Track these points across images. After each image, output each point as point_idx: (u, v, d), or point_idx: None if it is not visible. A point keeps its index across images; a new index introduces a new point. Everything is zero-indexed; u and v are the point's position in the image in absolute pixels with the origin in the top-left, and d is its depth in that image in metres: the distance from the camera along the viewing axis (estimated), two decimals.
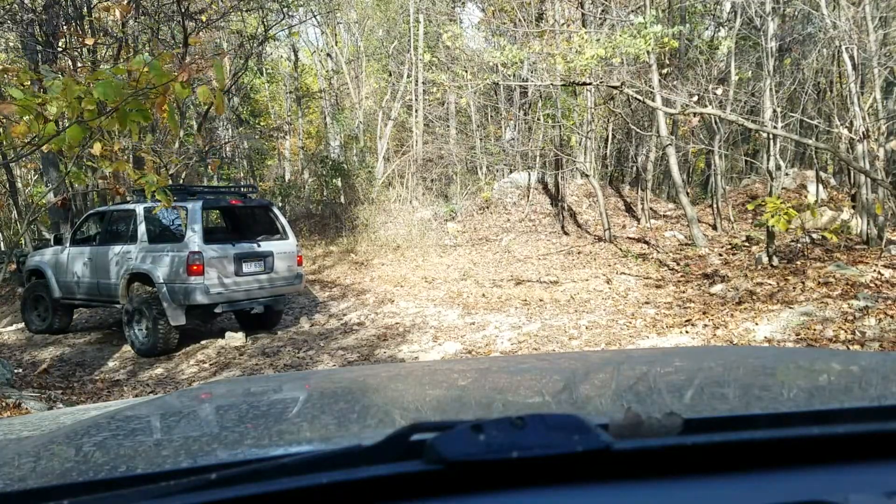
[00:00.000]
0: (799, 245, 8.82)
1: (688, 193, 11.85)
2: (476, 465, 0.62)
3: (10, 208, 14.87)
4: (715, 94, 10.00)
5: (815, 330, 6.08)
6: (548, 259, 11.50)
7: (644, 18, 8.44)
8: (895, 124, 10.37)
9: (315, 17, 18.37)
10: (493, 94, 16.48)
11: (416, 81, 16.68)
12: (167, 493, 0.63)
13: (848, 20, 8.57)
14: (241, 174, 20.00)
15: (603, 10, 11.86)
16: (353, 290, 10.81)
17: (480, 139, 16.42)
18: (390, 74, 18.28)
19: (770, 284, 7.67)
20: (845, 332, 5.90)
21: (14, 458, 0.95)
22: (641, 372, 1.40)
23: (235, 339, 8.08)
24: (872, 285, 6.91)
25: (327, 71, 20.14)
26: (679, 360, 1.60)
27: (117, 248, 8.13)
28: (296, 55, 21.46)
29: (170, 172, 11.13)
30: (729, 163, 14.68)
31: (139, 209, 8.01)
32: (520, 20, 12.77)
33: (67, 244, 8.83)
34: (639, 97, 8.17)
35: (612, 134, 14.68)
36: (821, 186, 11.00)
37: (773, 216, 7.48)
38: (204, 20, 12.41)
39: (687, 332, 6.78)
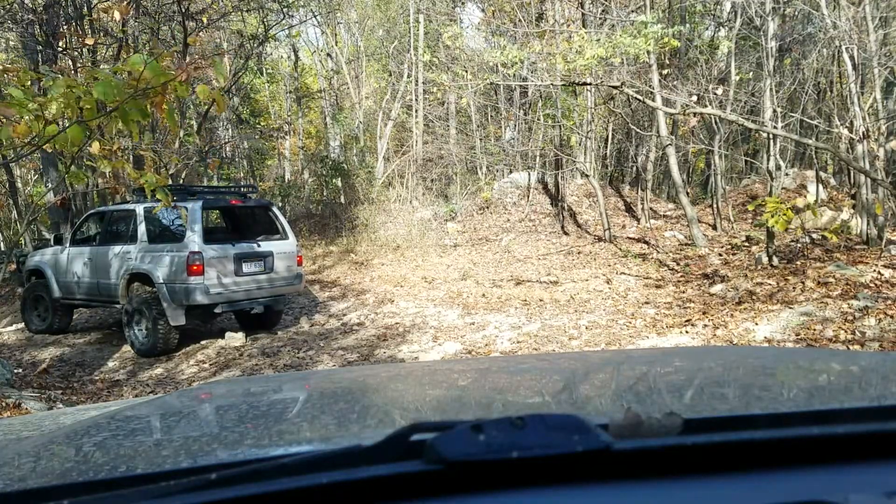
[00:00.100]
0: (799, 245, 8.82)
1: (688, 193, 11.85)
2: (476, 465, 0.62)
3: (10, 208, 14.87)
4: (715, 94, 10.00)
5: (815, 330, 6.08)
6: (548, 259, 11.50)
7: (646, 17, 8.44)
8: (895, 124, 10.37)
9: (315, 17, 18.38)
10: (493, 94, 16.48)
11: (416, 81, 16.68)
12: (167, 493, 0.63)
13: (848, 20, 8.57)
14: (241, 174, 20.00)
15: (603, 11, 11.86)
16: (352, 290, 10.81)
17: (480, 139, 16.42)
18: (390, 74, 18.29)
19: (770, 284, 7.67)
20: (845, 332, 5.90)
21: (14, 458, 0.95)
22: (641, 372, 1.40)
23: (235, 339, 8.08)
24: (872, 285, 6.91)
25: (327, 71, 20.14)
26: (679, 360, 1.60)
27: (117, 248, 8.13)
28: (296, 55, 21.46)
29: (170, 172, 11.14)
30: (729, 163, 14.68)
31: (139, 209, 8.01)
32: (520, 20, 12.78)
33: (67, 244, 8.83)
34: (639, 97, 8.18)
35: (612, 134, 14.68)
36: (821, 186, 11.00)
37: (772, 216, 7.49)
38: (205, 21, 12.42)
39: (687, 332, 6.78)
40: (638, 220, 13.02)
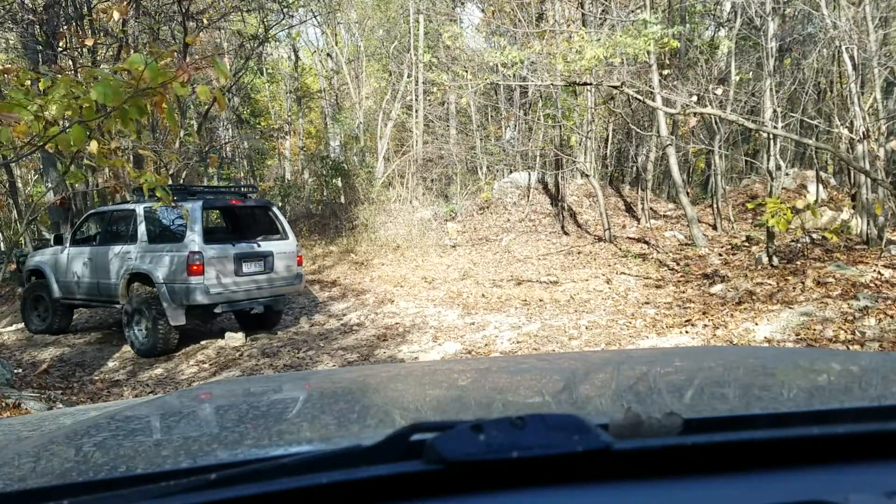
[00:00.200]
0: (799, 245, 8.81)
1: (688, 193, 11.85)
2: (476, 465, 0.62)
3: (10, 208, 14.87)
4: (715, 94, 10.00)
5: (815, 330, 6.08)
6: (548, 259, 11.50)
7: (648, 17, 8.44)
8: (895, 124, 10.37)
9: (315, 17, 18.38)
10: (493, 94, 16.47)
11: (416, 81, 16.68)
12: (167, 493, 0.63)
13: (848, 20, 8.57)
14: (241, 174, 20.01)
15: (603, 11, 11.86)
16: (352, 291, 10.81)
17: (480, 139, 16.42)
18: (390, 74, 18.28)
19: (770, 284, 7.67)
20: (845, 332, 5.90)
21: (14, 458, 0.95)
22: (641, 372, 1.40)
23: (235, 339, 8.08)
24: (872, 285, 6.91)
25: (327, 71, 20.14)
26: (679, 360, 1.60)
27: (117, 248, 8.13)
28: (296, 55, 21.46)
29: (170, 172, 11.15)
30: (729, 163, 14.68)
31: (139, 209, 8.01)
32: (520, 20, 12.77)
33: (67, 244, 8.83)
34: (639, 97, 8.18)
35: (612, 134, 14.68)
36: (821, 186, 11.00)
37: (772, 216, 7.49)
38: (205, 21, 12.42)
39: (687, 332, 6.78)
40: (638, 220, 13.02)
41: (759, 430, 0.71)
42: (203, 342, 8.17)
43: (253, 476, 0.63)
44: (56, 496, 0.68)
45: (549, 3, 13.58)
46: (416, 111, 16.69)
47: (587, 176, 13.09)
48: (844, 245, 8.63)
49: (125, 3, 9.30)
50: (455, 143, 16.63)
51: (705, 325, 6.83)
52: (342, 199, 16.39)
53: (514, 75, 11.00)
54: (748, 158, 14.39)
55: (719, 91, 10.29)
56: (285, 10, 14.88)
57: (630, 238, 12.05)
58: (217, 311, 7.84)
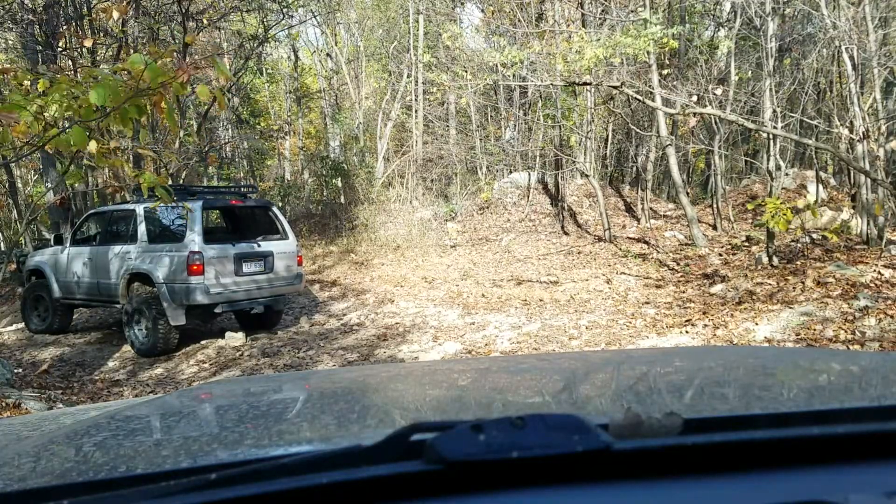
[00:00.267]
0: (799, 245, 8.81)
1: (688, 193, 11.85)
2: (476, 465, 0.62)
3: (10, 208, 14.87)
4: (715, 94, 10.00)
5: (815, 330, 6.08)
6: (548, 259, 11.50)
7: (649, 16, 8.44)
8: (895, 124, 10.37)
9: (315, 17, 18.38)
10: (493, 94, 16.48)
11: (416, 81, 16.68)
12: (167, 493, 0.63)
13: (848, 20, 8.57)
14: (241, 174, 20.01)
15: (603, 11, 11.86)
16: (353, 290, 10.81)
17: (480, 139, 16.42)
18: (390, 74, 18.29)
19: (770, 284, 7.67)
20: (845, 332, 5.90)
21: (14, 458, 0.94)
22: (641, 372, 1.40)
23: (235, 339, 8.08)
24: (872, 285, 6.91)
25: (327, 71, 20.14)
26: (679, 360, 1.60)
27: (117, 248, 8.13)
28: (296, 55, 21.46)
29: (170, 172, 11.14)
30: (729, 163, 14.68)
31: (139, 209, 8.01)
32: (519, 20, 12.77)
33: (67, 244, 8.83)
34: (639, 97, 8.17)
35: (612, 134, 14.68)
36: (821, 186, 11.00)
37: (772, 217, 7.49)
38: (205, 21, 12.42)
39: (687, 332, 6.78)
40: (638, 220, 13.02)
41: (759, 430, 0.71)
42: (203, 342, 8.17)
43: (253, 476, 0.63)
44: (56, 496, 0.68)
45: (548, 3, 13.58)
46: (416, 111, 16.69)
47: (587, 176, 13.09)
48: (844, 245, 8.63)
49: (125, 2, 9.30)
50: (455, 143, 16.63)
51: (705, 325, 6.84)
52: (342, 199, 16.40)
53: (513, 75, 11.01)
54: (748, 158, 14.39)
55: (719, 91, 10.29)
56: (285, 10, 14.88)
57: (630, 238, 12.05)
58: (217, 311, 7.84)
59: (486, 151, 16.04)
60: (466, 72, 15.30)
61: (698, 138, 12.75)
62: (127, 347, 8.01)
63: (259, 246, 8.08)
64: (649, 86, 10.58)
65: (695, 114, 8.56)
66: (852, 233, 9.32)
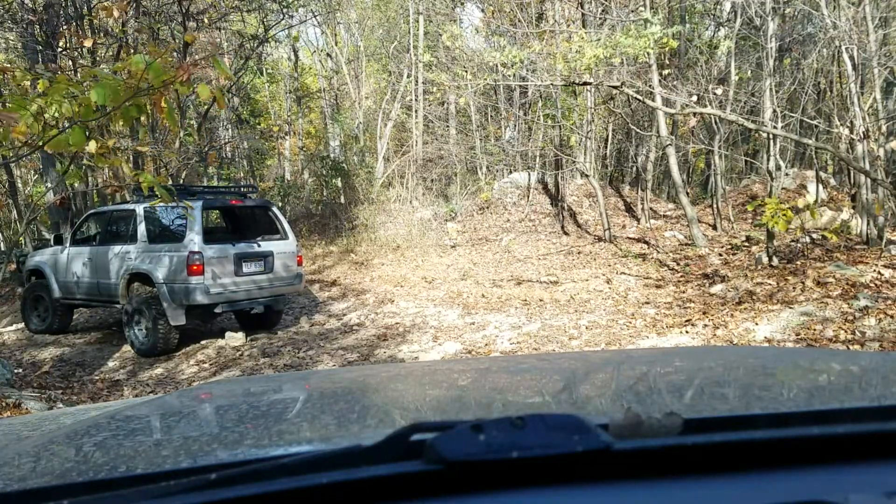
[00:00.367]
0: (799, 245, 8.81)
1: (688, 193, 11.85)
2: (476, 465, 0.62)
3: (10, 208, 14.87)
4: (715, 94, 10.00)
5: (815, 330, 6.08)
6: (548, 259, 11.50)
7: (649, 16, 8.43)
8: (895, 124, 10.37)
9: (315, 17, 18.38)
10: (493, 94, 16.47)
11: (416, 81, 16.68)
12: (167, 493, 0.63)
13: (848, 20, 8.57)
14: (241, 174, 20.00)
15: (603, 11, 11.86)
16: (352, 290, 10.81)
17: (480, 139, 16.42)
18: (390, 74, 18.29)
19: (770, 284, 7.67)
20: (845, 332, 5.90)
21: (14, 458, 0.94)
22: (641, 372, 1.40)
23: (235, 339, 8.08)
24: (872, 285, 6.91)
25: (327, 71, 20.14)
26: (679, 360, 1.60)
27: (117, 248, 8.13)
28: (296, 55, 21.45)
29: (170, 172, 11.15)
30: (729, 163, 14.68)
31: (139, 209, 8.01)
32: (519, 20, 12.78)
33: (67, 244, 8.82)
34: (639, 97, 8.17)
35: (612, 134, 14.69)
36: (821, 186, 10.99)
37: (772, 217, 7.49)
38: (205, 21, 12.42)
39: (687, 332, 6.78)
40: (638, 220, 13.02)
41: (759, 430, 0.71)
42: (203, 342, 8.17)
43: (253, 476, 0.63)
44: (56, 496, 0.68)
45: (548, 3, 13.58)
46: (416, 111, 16.70)
47: (587, 176, 13.09)
48: (844, 245, 8.63)
49: (125, 1, 9.30)
50: (455, 143, 16.63)
51: (705, 325, 6.83)
52: (342, 199, 16.39)
53: (513, 75, 11.00)
54: (748, 158, 14.39)
55: (719, 91, 10.29)
56: (285, 10, 14.88)
57: (630, 238, 12.05)
58: (217, 310, 7.84)
59: (486, 151, 16.04)
60: (466, 72, 15.28)
61: (698, 138, 12.76)
62: (127, 347, 8.01)
63: (259, 246, 8.08)
64: (649, 86, 10.57)
65: (695, 114, 8.57)
66: (852, 233, 9.32)
